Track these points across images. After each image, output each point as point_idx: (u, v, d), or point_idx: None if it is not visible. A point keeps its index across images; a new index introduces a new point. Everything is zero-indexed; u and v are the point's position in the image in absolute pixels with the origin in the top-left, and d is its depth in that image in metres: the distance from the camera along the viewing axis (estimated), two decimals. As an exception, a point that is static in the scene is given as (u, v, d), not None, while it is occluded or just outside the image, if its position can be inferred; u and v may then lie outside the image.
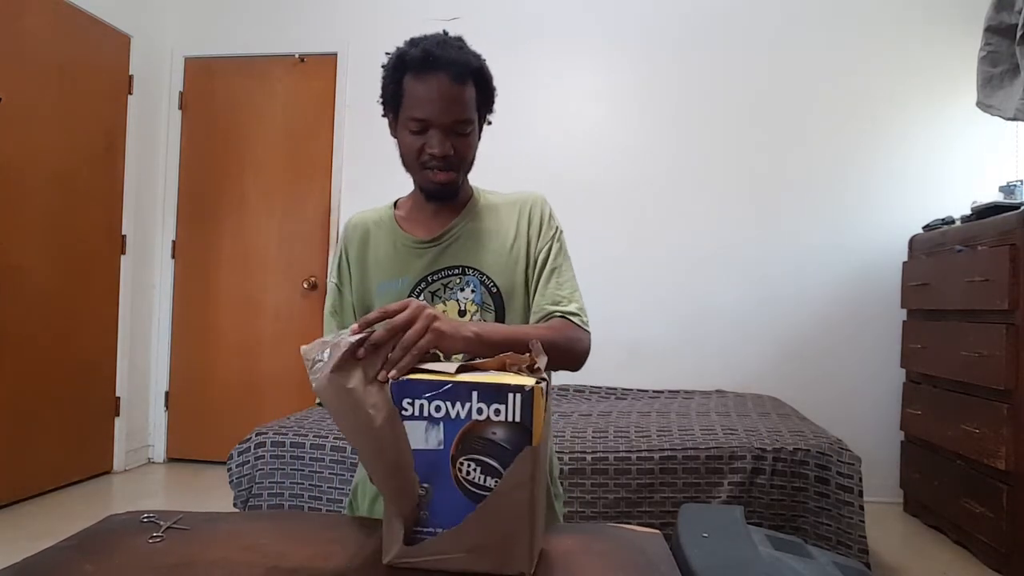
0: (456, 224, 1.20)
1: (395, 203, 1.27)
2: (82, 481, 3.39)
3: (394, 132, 1.17)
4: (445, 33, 1.13)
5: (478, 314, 1.15)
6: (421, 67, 1.06)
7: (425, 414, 0.78)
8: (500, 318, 1.16)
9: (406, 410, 0.78)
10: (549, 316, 1.14)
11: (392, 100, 1.12)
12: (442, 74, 1.06)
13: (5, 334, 2.97)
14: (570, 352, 1.10)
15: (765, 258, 3.51)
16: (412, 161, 1.13)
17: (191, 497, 3.31)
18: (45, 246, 3.17)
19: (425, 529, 0.79)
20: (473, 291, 1.16)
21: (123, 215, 3.64)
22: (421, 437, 0.78)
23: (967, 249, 2.72)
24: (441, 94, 1.07)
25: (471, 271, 1.17)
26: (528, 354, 0.84)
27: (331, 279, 1.24)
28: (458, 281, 1.16)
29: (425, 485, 0.79)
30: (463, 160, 1.13)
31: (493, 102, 1.17)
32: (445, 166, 1.11)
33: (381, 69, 1.14)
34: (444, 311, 1.14)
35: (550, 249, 1.20)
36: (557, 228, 1.23)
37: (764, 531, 1.57)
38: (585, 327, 1.15)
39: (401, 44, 1.13)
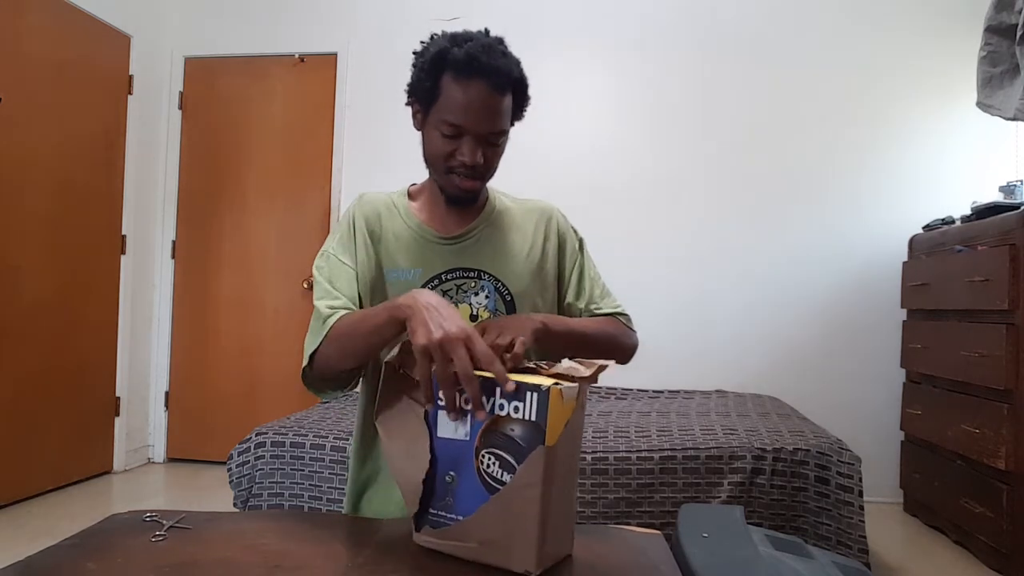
0: (476, 226, 1.18)
1: (407, 191, 1.23)
2: (82, 481, 3.39)
3: (418, 125, 1.13)
4: (487, 32, 1.09)
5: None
6: (463, 71, 1.02)
7: (455, 405, 0.81)
8: None
9: (440, 400, 0.82)
10: (599, 316, 1.23)
11: (425, 96, 1.07)
12: (483, 82, 1.03)
13: (5, 334, 2.97)
14: (620, 345, 1.21)
15: (765, 258, 3.52)
16: (438, 163, 1.09)
17: (191, 497, 3.31)
18: (45, 246, 3.17)
19: (449, 515, 0.83)
20: (487, 297, 1.14)
21: (123, 215, 3.64)
22: (450, 427, 0.82)
23: (967, 249, 2.72)
24: (481, 103, 1.04)
25: (487, 276, 1.15)
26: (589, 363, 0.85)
27: (330, 249, 1.15)
28: (473, 285, 1.14)
29: (451, 473, 0.82)
30: (490, 169, 1.11)
31: (525, 109, 1.14)
32: (473, 174, 1.08)
33: (413, 55, 1.10)
34: None
35: (581, 264, 1.26)
36: (580, 239, 1.29)
37: (764, 531, 1.58)
38: (631, 326, 1.25)
39: (436, 34, 1.09)
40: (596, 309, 1.23)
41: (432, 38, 1.09)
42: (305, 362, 1.06)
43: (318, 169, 3.82)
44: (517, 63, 1.09)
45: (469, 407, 0.80)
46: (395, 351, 0.91)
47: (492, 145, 1.09)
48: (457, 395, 0.81)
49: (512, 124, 1.13)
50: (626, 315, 1.25)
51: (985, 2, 2.66)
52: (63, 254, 3.27)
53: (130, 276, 3.67)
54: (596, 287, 1.25)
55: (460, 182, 1.09)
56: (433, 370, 0.82)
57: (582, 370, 0.82)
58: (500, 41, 1.09)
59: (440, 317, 0.83)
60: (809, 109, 3.52)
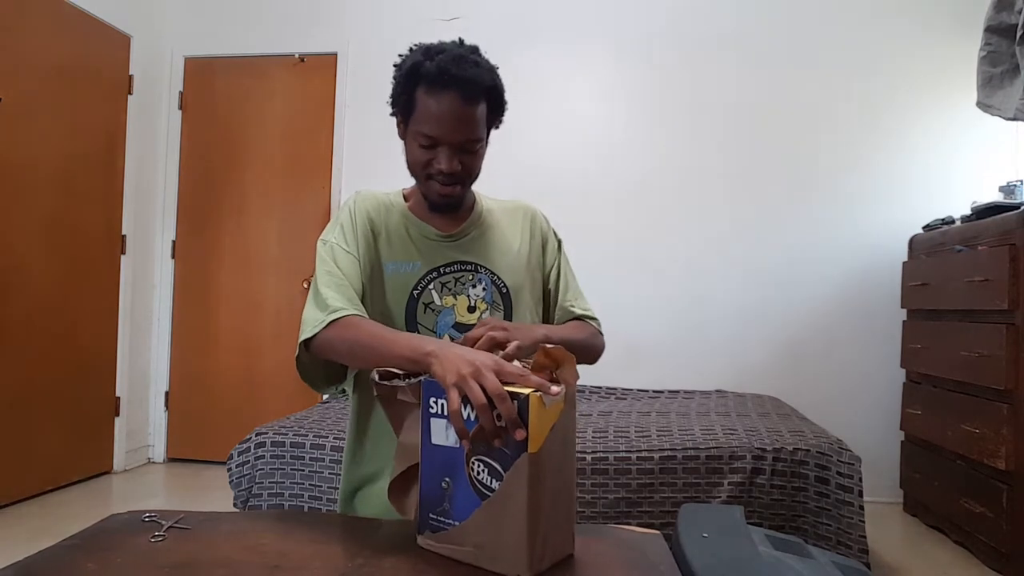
0: (470, 225, 1.23)
1: (401, 193, 1.27)
2: (82, 481, 3.39)
3: (401, 135, 1.18)
4: (461, 42, 1.12)
5: (487, 312, 1.19)
6: (434, 84, 1.06)
7: (446, 413, 0.81)
8: (508, 317, 1.20)
9: (432, 408, 0.84)
10: (571, 319, 1.28)
11: (403, 108, 1.13)
12: (455, 93, 1.06)
13: (5, 334, 2.97)
14: (592, 349, 1.26)
15: (765, 258, 3.52)
16: (418, 171, 1.14)
17: (191, 497, 3.31)
18: (45, 246, 3.17)
19: (446, 520, 0.84)
20: (484, 289, 1.19)
21: (123, 215, 3.64)
22: (442, 434, 0.83)
23: (967, 249, 2.72)
24: (452, 114, 1.07)
25: (483, 270, 1.20)
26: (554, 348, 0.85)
27: (331, 239, 1.16)
28: (470, 277, 1.19)
29: (447, 479, 0.83)
30: (469, 175, 1.15)
31: (503, 114, 1.17)
32: (451, 181, 1.12)
33: (393, 68, 1.14)
34: (454, 304, 1.17)
35: (559, 264, 1.32)
36: (559, 240, 1.35)
37: (764, 531, 1.57)
38: (600, 329, 1.30)
39: (415, 46, 1.12)
40: (570, 307, 1.29)
41: (410, 51, 1.13)
42: (299, 350, 1.08)
43: (318, 169, 3.82)
44: (490, 71, 1.12)
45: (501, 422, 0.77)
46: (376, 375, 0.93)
47: (468, 152, 1.12)
48: (495, 417, 0.78)
49: (491, 131, 1.16)
50: (596, 319, 1.31)
51: (985, 2, 2.66)
52: (63, 254, 3.27)
53: (130, 276, 3.67)
54: (571, 287, 1.32)
55: (439, 189, 1.13)
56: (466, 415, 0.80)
57: (554, 388, 0.81)
58: (474, 51, 1.12)
59: (465, 353, 0.84)
60: (808, 109, 3.51)
